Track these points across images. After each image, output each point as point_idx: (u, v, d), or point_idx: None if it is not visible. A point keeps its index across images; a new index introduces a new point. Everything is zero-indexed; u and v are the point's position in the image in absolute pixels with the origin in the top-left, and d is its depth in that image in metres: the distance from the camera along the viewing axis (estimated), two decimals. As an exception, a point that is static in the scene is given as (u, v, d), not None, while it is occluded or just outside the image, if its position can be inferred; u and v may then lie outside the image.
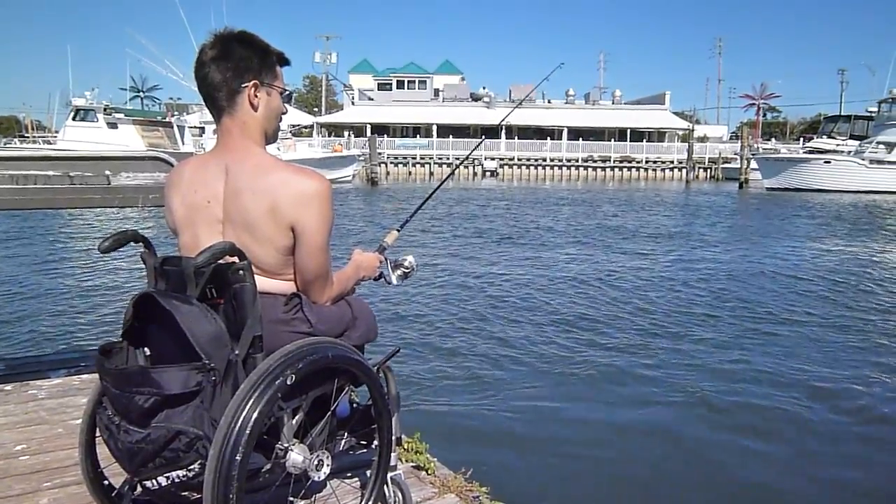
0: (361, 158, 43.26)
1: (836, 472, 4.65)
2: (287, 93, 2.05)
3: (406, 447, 2.71)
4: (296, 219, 1.85)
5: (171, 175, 2.06)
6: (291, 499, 2.11)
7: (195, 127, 37.71)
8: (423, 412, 5.22)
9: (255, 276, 1.84)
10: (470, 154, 6.72)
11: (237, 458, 1.63)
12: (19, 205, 2.85)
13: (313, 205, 1.86)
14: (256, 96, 1.93)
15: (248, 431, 1.64)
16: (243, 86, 1.91)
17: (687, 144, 52.19)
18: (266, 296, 1.88)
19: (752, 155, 42.96)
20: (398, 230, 2.70)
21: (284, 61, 2.04)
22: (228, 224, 1.88)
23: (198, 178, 1.94)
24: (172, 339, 1.72)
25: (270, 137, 2.01)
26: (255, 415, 1.66)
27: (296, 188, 1.84)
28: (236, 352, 1.73)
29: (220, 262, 1.71)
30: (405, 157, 52.71)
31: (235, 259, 1.72)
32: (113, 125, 34.60)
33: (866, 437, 5.23)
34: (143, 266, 1.91)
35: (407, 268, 2.44)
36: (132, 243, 1.91)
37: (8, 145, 39.45)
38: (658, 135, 59.94)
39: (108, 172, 2.98)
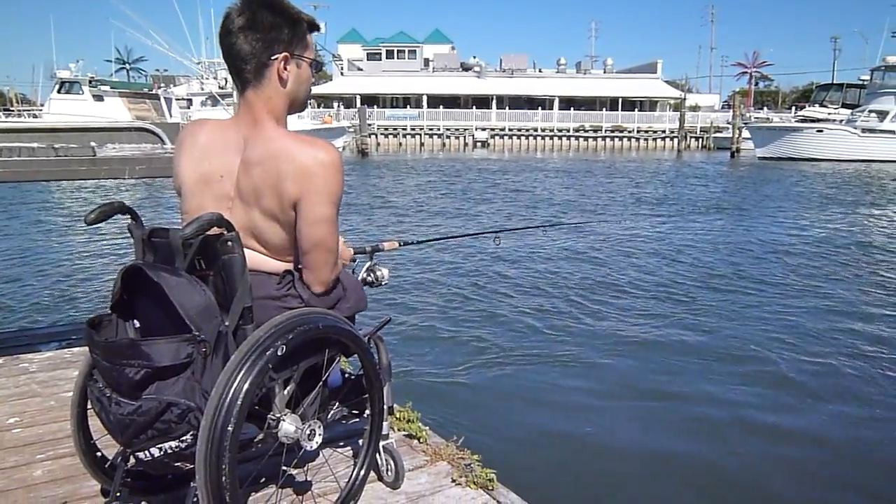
0: (351, 130, 42.93)
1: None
2: (318, 63, 1.99)
3: (398, 416, 2.73)
4: (298, 191, 1.81)
5: (184, 136, 1.98)
6: (284, 468, 2.13)
7: (182, 99, 37.32)
8: (416, 381, 5.27)
9: (257, 256, 1.84)
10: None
11: (229, 428, 1.64)
12: (4, 177, 2.82)
13: (317, 176, 1.81)
14: (286, 69, 1.86)
15: (239, 402, 1.65)
16: (273, 58, 1.84)
17: (679, 114, 52.06)
18: (261, 274, 1.87)
19: (745, 124, 42.91)
20: (400, 244, 2.71)
21: (314, 27, 1.96)
22: (239, 201, 1.86)
23: (213, 148, 1.89)
24: (162, 312, 1.71)
25: (298, 108, 1.96)
26: (246, 386, 1.66)
27: (300, 161, 1.80)
28: (226, 323, 1.72)
29: (209, 233, 1.70)
30: (395, 128, 52.47)
31: (224, 230, 1.71)
32: (99, 98, 34.11)
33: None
34: (131, 238, 1.90)
35: (378, 279, 2.44)
36: (119, 215, 1.89)
37: (-8, 119, 38.94)
38: (650, 104, 59.72)
39: (93, 144, 2.94)
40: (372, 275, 2.44)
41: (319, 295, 1.98)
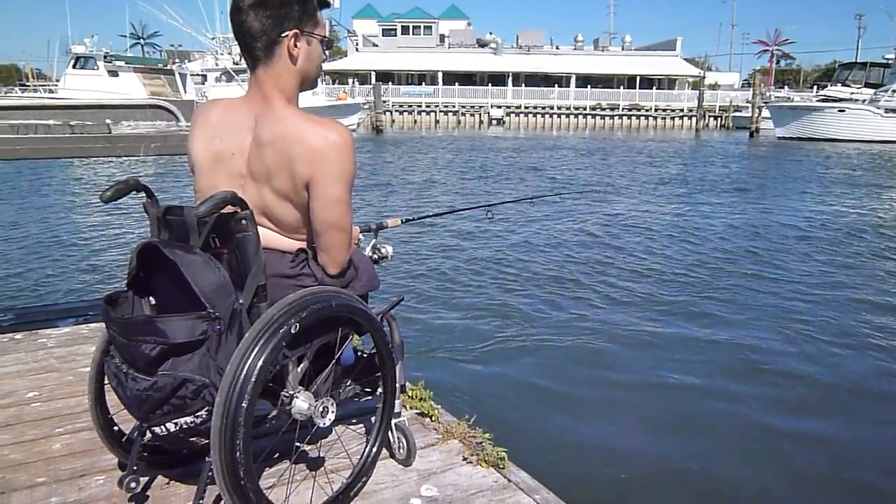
0: (366, 106, 42.83)
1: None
2: (328, 40, 1.99)
3: (410, 394, 2.76)
4: (311, 174, 1.82)
5: (197, 115, 2.01)
6: (297, 444, 2.16)
7: (197, 74, 37.36)
8: (428, 360, 5.30)
9: (269, 234, 1.86)
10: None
11: (243, 404, 1.67)
12: (21, 154, 2.85)
13: (329, 158, 1.82)
14: (296, 46, 1.87)
15: (253, 379, 1.68)
16: (283, 35, 1.84)
17: (698, 92, 51.47)
18: (275, 252, 1.89)
19: (765, 103, 42.37)
20: (403, 221, 2.75)
21: (325, 4, 1.96)
22: (250, 178, 1.87)
23: (225, 126, 1.90)
24: (177, 289, 1.74)
25: (308, 85, 1.96)
26: (259, 363, 1.69)
27: (311, 143, 1.81)
28: (240, 301, 1.75)
29: (223, 211, 1.72)
30: (410, 105, 52.24)
31: (238, 208, 1.73)
32: (114, 73, 34.18)
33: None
34: (146, 215, 1.92)
35: (384, 255, 2.46)
36: (134, 192, 1.91)
37: (9, 94, 39.20)
38: (668, 82, 59.03)
39: (108, 121, 2.96)
40: (377, 252, 2.46)
41: (334, 276, 1.99)
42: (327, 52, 2.02)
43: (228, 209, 1.72)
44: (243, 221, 1.73)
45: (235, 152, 1.88)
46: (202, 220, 1.72)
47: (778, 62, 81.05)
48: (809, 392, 5.19)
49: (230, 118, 1.91)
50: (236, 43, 1.95)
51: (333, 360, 1.99)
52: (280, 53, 1.86)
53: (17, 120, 2.90)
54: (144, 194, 1.90)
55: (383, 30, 61.59)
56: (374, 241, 2.47)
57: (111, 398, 1.94)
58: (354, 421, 2.54)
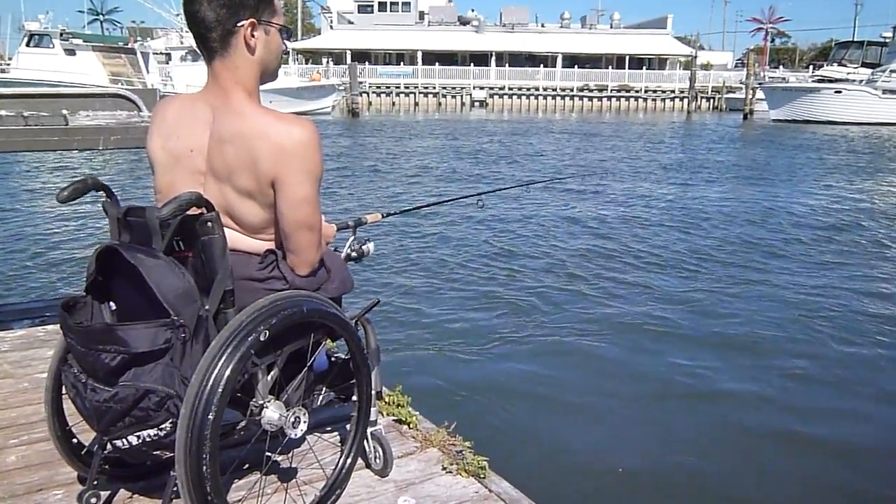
0: (341, 88, 42.62)
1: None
2: (287, 29, 1.99)
3: (387, 400, 2.77)
4: (276, 173, 1.82)
5: (155, 112, 2.02)
6: (268, 454, 2.17)
7: (160, 53, 36.94)
8: (405, 364, 5.30)
9: (234, 234, 1.85)
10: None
11: (210, 416, 1.67)
12: (-30, 148, 2.82)
13: (295, 156, 1.82)
14: (253, 36, 1.86)
15: (220, 389, 1.68)
16: (238, 25, 1.84)
17: (689, 72, 51.74)
18: (240, 254, 1.89)
19: (759, 84, 42.76)
20: (383, 216, 2.75)
21: None
22: (210, 176, 1.87)
23: (182, 123, 1.90)
24: (139, 294, 1.73)
25: (268, 77, 1.96)
26: (227, 372, 1.69)
27: (275, 140, 1.80)
28: (206, 307, 1.75)
29: (188, 213, 1.71)
30: (388, 87, 51.97)
31: (203, 210, 1.72)
32: (71, 52, 33.79)
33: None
34: (105, 216, 1.91)
35: (363, 253, 2.46)
36: (93, 192, 1.90)
37: (-44, 74, 38.52)
38: (659, 62, 59.25)
39: (65, 112, 2.93)
40: (357, 250, 2.46)
41: (304, 276, 2.00)
42: (286, 42, 2.02)
43: (193, 210, 1.71)
44: (209, 224, 1.73)
45: (194, 149, 1.87)
46: (165, 222, 1.72)
47: (772, 41, 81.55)
48: (812, 393, 5.24)
49: (187, 114, 1.91)
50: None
51: (305, 368, 2.00)
52: (237, 44, 1.86)
53: (-36, 111, 2.85)
54: (104, 194, 1.89)
55: (359, 6, 61.08)
56: (352, 238, 2.47)
57: (69, 407, 1.94)
58: (328, 429, 2.54)
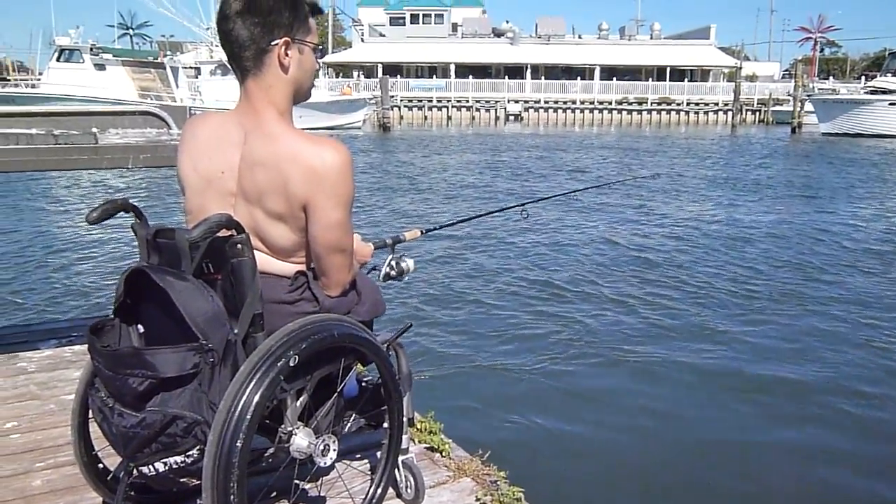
0: (372, 102, 43.00)
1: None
2: (320, 48, 2.02)
3: (419, 427, 2.76)
4: (307, 196, 1.84)
5: (185, 131, 2.05)
6: (296, 482, 2.17)
7: (189, 67, 37.61)
8: (438, 389, 5.27)
9: (263, 257, 1.87)
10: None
11: (238, 444, 1.68)
12: (0, 167, 2.89)
13: (327, 180, 1.84)
14: (287, 55, 1.89)
15: (248, 416, 1.69)
16: (273, 44, 1.87)
17: (733, 84, 51.29)
18: (270, 276, 1.91)
19: (807, 96, 42.19)
20: (422, 232, 2.77)
21: (316, 10, 2.00)
22: (241, 198, 1.89)
23: (213, 144, 1.93)
24: (167, 317, 1.75)
25: (302, 96, 1.99)
26: (256, 398, 1.70)
27: (307, 163, 1.83)
28: (235, 331, 1.76)
29: (217, 235, 1.74)
30: (420, 100, 52.33)
31: (233, 232, 1.75)
32: (100, 66, 34.59)
33: None
34: (133, 233, 1.94)
35: (403, 270, 2.48)
36: (122, 213, 1.93)
37: (-12, 89, 39.65)
38: (701, 73, 58.89)
39: (95, 129, 2.99)
40: (395, 268, 2.47)
41: (335, 297, 2.01)
42: (320, 61, 2.05)
43: (223, 232, 1.73)
44: (239, 246, 1.75)
45: (225, 170, 1.90)
46: (195, 244, 1.74)
47: (822, 50, 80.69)
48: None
49: (218, 134, 1.93)
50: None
51: (336, 393, 2.00)
52: (270, 63, 1.89)
53: (-4, 129, 2.95)
54: (133, 215, 1.92)
55: (391, 18, 61.81)
56: (390, 256, 2.48)
57: (95, 430, 1.96)
58: (358, 457, 2.55)
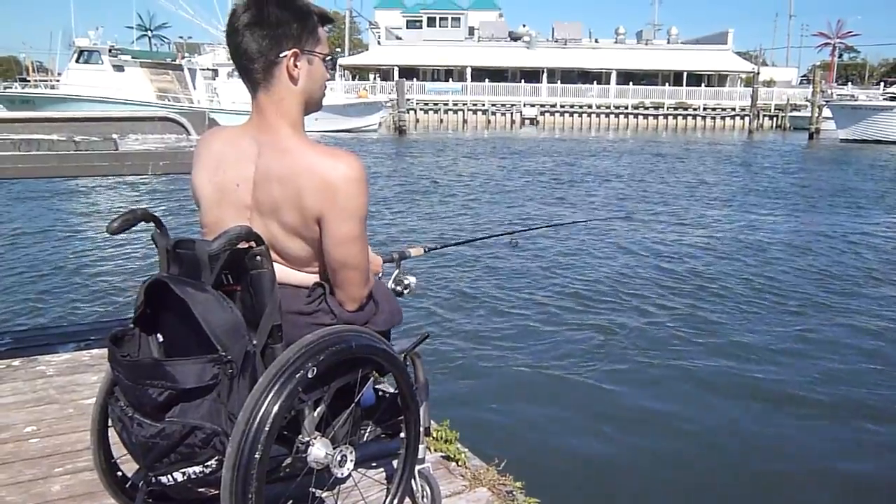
0: (388, 105, 43.13)
1: None
2: (331, 58, 2.02)
3: (435, 436, 2.76)
4: (321, 209, 1.84)
5: (199, 146, 2.06)
6: (313, 490, 2.18)
7: (207, 69, 37.89)
8: (454, 397, 5.26)
9: (280, 268, 1.88)
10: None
11: (256, 455, 1.69)
12: (23, 173, 2.92)
13: (340, 193, 1.84)
14: (296, 66, 1.89)
15: (267, 427, 1.70)
16: (282, 56, 1.87)
17: (751, 89, 51.00)
18: (288, 287, 1.91)
19: (826, 102, 41.95)
20: (426, 250, 2.77)
21: (326, 20, 1.99)
22: (256, 211, 1.90)
23: (228, 156, 1.94)
24: (186, 328, 1.76)
25: (313, 107, 1.99)
26: (274, 409, 1.71)
27: (321, 176, 1.83)
28: (254, 342, 1.77)
29: (237, 246, 1.74)
30: (436, 104, 52.47)
31: (252, 244, 1.75)
32: (119, 68, 34.97)
33: None
34: (154, 244, 1.95)
35: (406, 287, 2.48)
36: (143, 223, 1.94)
37: (8, 89, 40.12)
38: (719, 78, 58.67)
39: (115, 135, 3.02)
40: (400, 284, 2.48)
41: (352, 312, 2.02)
42: (331, 71, 2.05)
43: (243, 244, 1.74)
44: (258, 258, 1.76)
45: (240, 183, 1.91)
46: (215, 255, 1.75)
47: (840, 56, 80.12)
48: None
49: (233, 148, 1.94)
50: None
51: (353, 404, 2.01)
52: (279, 75, 1.89)
53: (18, 135, 2.98)
54: (154, 224, 1.93)
55: (408, 21, 61.95)
56: (395, 272, 2.48)
57: (113, 436, 1.97)
58: (374, 465, 2.54)
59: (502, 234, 3.67)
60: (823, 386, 5.82)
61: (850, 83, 64.18)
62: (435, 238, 11.38)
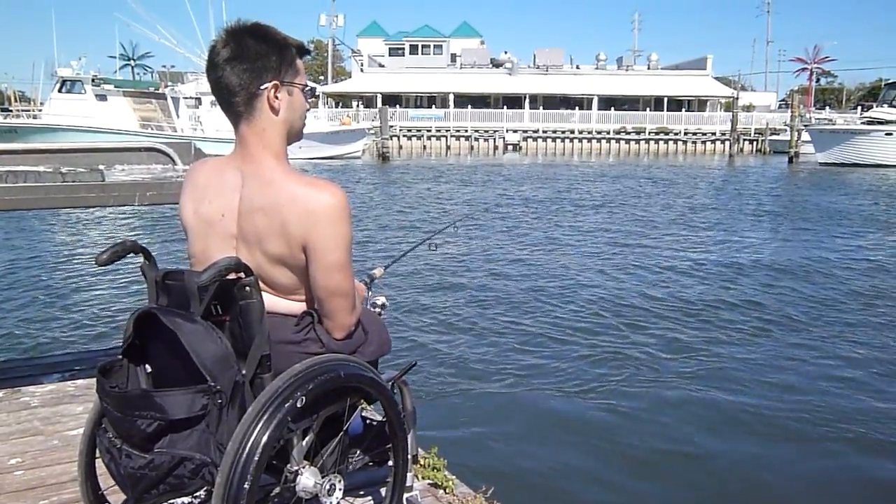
0: (372, 132, 43.29)
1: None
2: (310, 88, 2.06)
3: (423, 463, 2.77)
4: (306, 238, 1.87)
5: (187, 176, 2.11)
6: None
7: (190, 97, 37.90)
8: (441, 425, 5.23)
9: (267, 296, 1.89)
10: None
11: (245, 485, 1.69)
12: (9, 205, 2.93)
13: (324, 222, 1.87)
14: (277, 98, 1.93)
15: (256, 458, 1.70)
16: (262, 88, 1.91)
17: (731, 114, 51.66)
18: (276, 316, 1.93)
19: (804, 126, 42.48)
20: (384, 268, 2.92)
21: (304, 51, 2.04)
22: (242, 241, 1.93)
23: (213, 187, 1.97)
24: (175, 358, 1.77)
25: (294, 137, 2.03)
26: (263, 439, 1.72)
27: (304, 205, 1.86)
28: (243, 372, 1.78)
29: (226, 277, 1.76)
30: (419, 130, 52.70)
31: (242, 274, 1.77)
32: (102, 97, 34.96)
33: None
34: (142, 274, 1.97)
35: (382, 306, 2.57)
36: (131, 254, 1.96)
37: (-10, 120, 39.94)
38: (699, 103, 59.45)
39: (101, 166, 3.03)
40: (376, 306, 2.55)
41: (340, 340, 2.04)
42: (311, 101, 2.10)
43: (232, 275, 1.76)
44: (248, 288, 1.77)
45: (225, 213, 1.94)
46: (204, 286, 1.76)
47: (818, 81, 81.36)
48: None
49: (218, 179, 1.98)
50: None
51: (342, 432, 2.02)
52: (261, 107, 1.93)
53: (5, 166, 2.98)
54: (143, 256, 1.95)
55: (390, 49, 62.44)
56: (369, 293, 2.55)
57: (101, 468, 1.97)
58: (363, 494, 2.55)
59: (423, 241, 3.77)
60: (808, 411, 5.86)
61: (827, 107, 65.08)
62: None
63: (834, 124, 42.58)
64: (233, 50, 1.89)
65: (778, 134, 51.25)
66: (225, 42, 1.91)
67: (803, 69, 78.36)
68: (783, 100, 72.50)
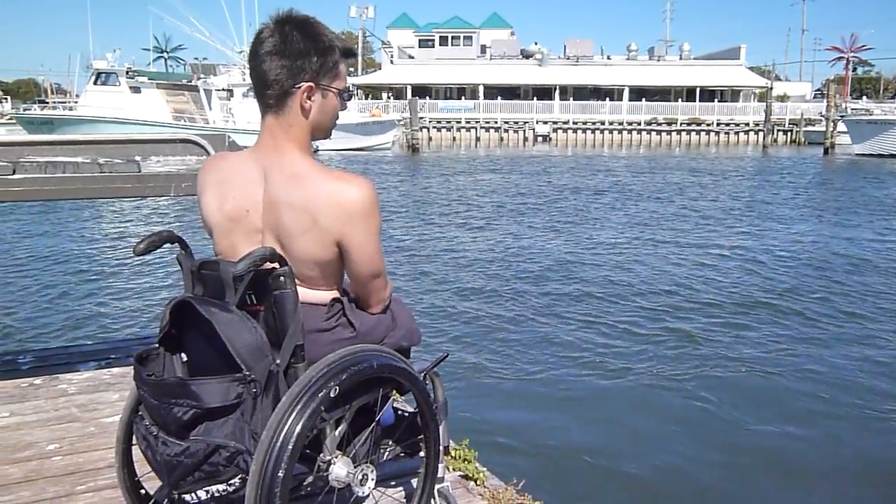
0: (401, 123, 43.37)
1: None
2: (347, 92, 2.04)
3: (454, 454, 2.77)
4: (341, 233, 1.88)
5: (204, 172, 2.08)
6: (333, 508, 2.19)
7: (222, 90, 38.26)
8: (473, 417, 5.25)
9: (300, 288, 1.91)
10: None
11: (279, 473, 1.70)
12: (49, 195, 2.98)
13: (358, 217, 1.88)
14: (310, 100, 1.92)
15: (290, 446, 1.71)
16: (296, 87, 1.90)
17: (765, 104, 50.94)
18: (306, 306, 1.94)
19: (840, 116, 41.78)
20: None
21: (350, 54, 2.01)
22: (268, 233, 1.93)
23: (235, 183, 1.96)
24: (211, 348, 1.79)
25: (322, 135, 2.02)
26: (297, 428, 1.72)
27: (336, 201, 1.86)
28: (277, 362, 1.80)
29: (261, 267, 1.77)
30: (449, 122, 52.61)
31: (276, 265, 1.78)
32: (136, 89, 35.43)
33: None
34: (178, 263, 1.99)
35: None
36: (168, 244, 1.98)
37: (27, 111, 40.68)
38: (732, 94, 58.62)
39: (137, 157, 3.07)
40: None
41: (376, 314, 2.09)
42: (347, 103, 2.07)
43: (266, 265, 1.77)
44: (282, 278, 1.78)
45: (249, 208, 1.94)
46: (239, 276, 1.78)
47: (854, 69, 79.81)
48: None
49: (238, 174, 1.97)
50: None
51: (374, 423, 2.03)
52: (292, 105, 1.92)
53: (43, 157, 3.03)
54: (179, 246, 1.97)
55: (420, 40, 62.37)
56: None
57: (136, 453, 2.00)
58: (394, 484, 2.56)
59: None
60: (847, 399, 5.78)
61: (864, 97, 63.87)
62: (447, 255, 11.42)
63: (871, 114, 41.76)
64: (276, 44, 1.88)
65: (813, 124, 50.42)
66: (271, 32, 1.89)
67: (839, 58, 76.95)
68: (818, 89, 71.35)
